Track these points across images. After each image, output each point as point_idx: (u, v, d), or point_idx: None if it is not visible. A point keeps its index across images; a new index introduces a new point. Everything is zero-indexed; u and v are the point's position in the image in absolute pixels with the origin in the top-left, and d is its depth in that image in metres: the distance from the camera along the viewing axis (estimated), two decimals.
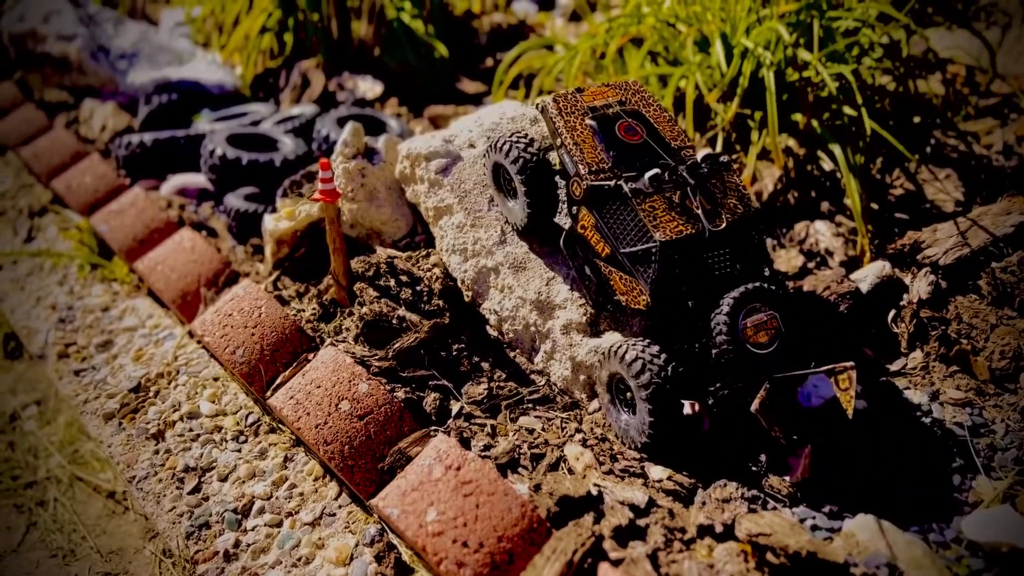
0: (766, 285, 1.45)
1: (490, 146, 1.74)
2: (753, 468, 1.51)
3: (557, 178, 1.71)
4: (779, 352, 1.44)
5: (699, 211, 1.50)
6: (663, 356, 1.46)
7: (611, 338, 1.66)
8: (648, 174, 1.49)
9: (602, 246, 1.57)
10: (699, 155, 1.56)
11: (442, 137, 1.95)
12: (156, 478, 1.76)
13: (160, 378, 2.03)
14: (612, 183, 1.54)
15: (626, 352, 1.47)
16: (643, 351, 1.46)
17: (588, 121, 1.64)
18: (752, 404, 1.40)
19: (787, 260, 1.95)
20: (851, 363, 1.39)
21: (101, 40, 3.43)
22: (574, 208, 1.62)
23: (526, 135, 1.71)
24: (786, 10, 2.08)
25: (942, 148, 2.20)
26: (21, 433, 2.37)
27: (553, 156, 1.76)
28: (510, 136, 1.70)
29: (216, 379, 1.99)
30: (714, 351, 1.45)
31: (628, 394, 1.54)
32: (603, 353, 1.55)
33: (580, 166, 1.57)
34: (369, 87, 3.16)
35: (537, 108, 1.73)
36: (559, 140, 1.64)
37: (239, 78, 3.49)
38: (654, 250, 1.46)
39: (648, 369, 1.44)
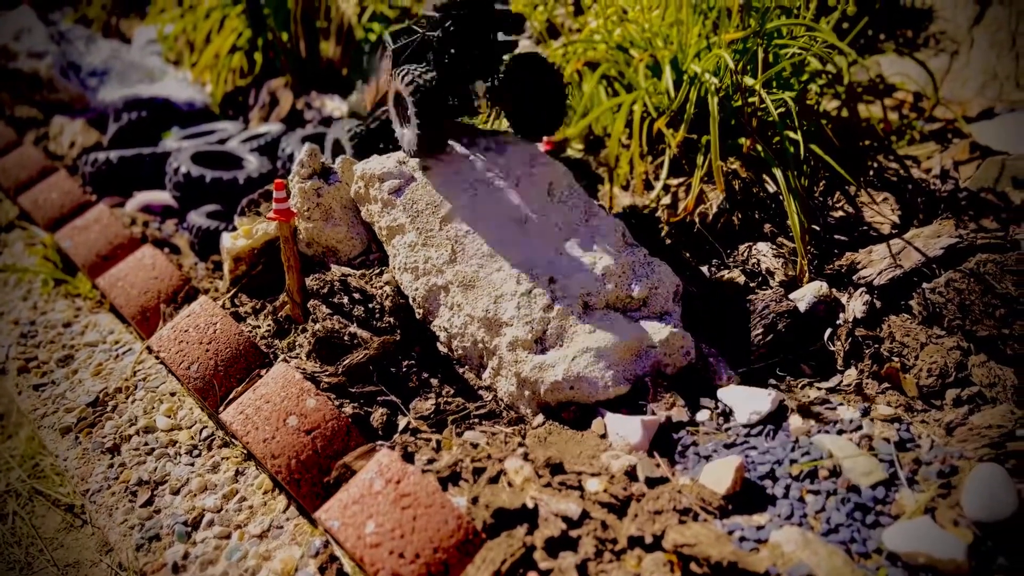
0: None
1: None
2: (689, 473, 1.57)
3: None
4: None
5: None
6: (429, 73, 1.83)
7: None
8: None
9: (408, 77, 1.87)
10: None
11: (396, 158, 2.01)
12: (109, 491, 1.79)
13: (118, 393, 2.06)
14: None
15: (404, 72, 1.84)
16: (415, 69, 1.83)
17: None
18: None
19: (729, 280, 2.01)
20: None
21: (72, 57, 3.47)
22: (392, 79, 1.98)
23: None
24: (734, 37, 2.16)
25: (883, 172, 2.27)
26: None
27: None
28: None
29: (173, 394, 2.02)
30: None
31: (407, 111, 1.89)
32: (390, 73, 1.94)
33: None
34: (336, 106, 3.21)
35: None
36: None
37: (209, 96, 3.54)
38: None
39: (415, 80, 1.81)
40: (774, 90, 2.18)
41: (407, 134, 1.93)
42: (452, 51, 1.91)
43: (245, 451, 1.81)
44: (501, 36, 1.99)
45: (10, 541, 2.07)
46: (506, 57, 2.02)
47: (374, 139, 2.25)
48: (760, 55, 2.11)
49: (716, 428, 1.74)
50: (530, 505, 1.44)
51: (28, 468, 2.26)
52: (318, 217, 2.02)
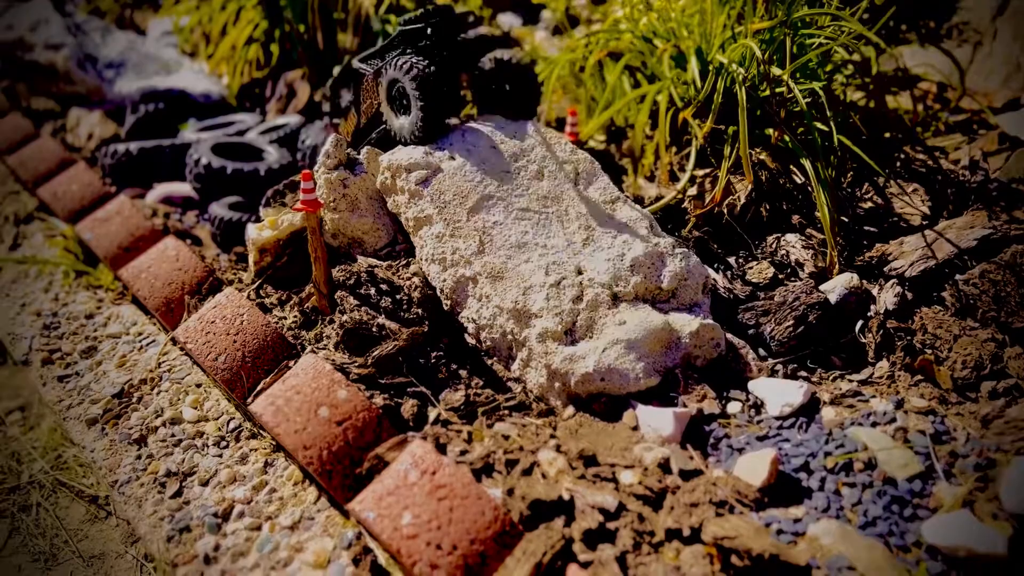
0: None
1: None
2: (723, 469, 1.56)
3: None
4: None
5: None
6: (428, 63, 1.97)
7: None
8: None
9: (409, 66, 2.00)
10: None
11: (423, 149, 2.00)
12: (138, 483, 1.79)
13: (143, 384, 2.06)
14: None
15: (402, 62, 1.98)
16: (414, 59, 1.98)
17: None
18: None
19: (759, 271, 2.00)
20: None
21: (88, 49, 3.46)
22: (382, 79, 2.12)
23: None
24: (760, 27, 2.14)
25: (911, 163, 2.25)
26: (4, 438, 2.39)
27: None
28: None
29: (199, 385, 2.01)
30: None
31: (404, 100, 2.04)
32: (383, 66, 2.06)
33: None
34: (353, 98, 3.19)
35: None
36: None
37: (226, 88, 3.53)
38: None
39: (415, 67, 1.95)
40: (800, 80, 2.16)
41: (406, 122, 2.06)
42: (439, 50, 2.15)
43: (274, 442, 1.81)
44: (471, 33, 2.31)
45: (34, 533, 2.07)
46: (493, 55, 2.25)
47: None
48: (788, 45, 2.09)
49: (748, 420, 1.73)
50: (566, 497, 1.43)
51: (51, 459, 2.26)
52: (344, 208, 2.01)
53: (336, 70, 2.53)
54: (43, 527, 2.08)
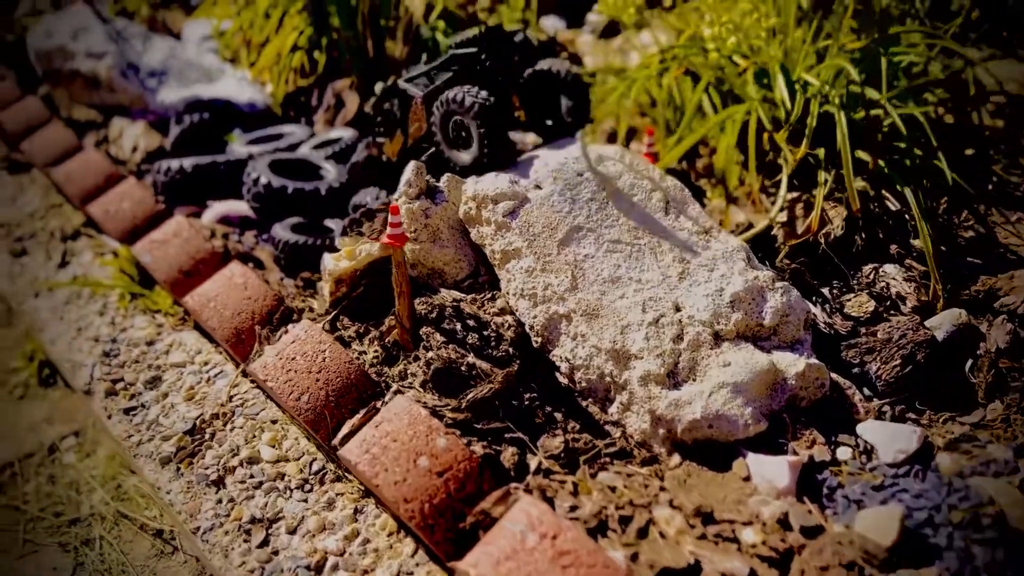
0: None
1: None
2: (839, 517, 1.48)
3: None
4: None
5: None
6: (484, 92, 1.95)
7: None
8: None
9: (465, 98, 1.98)
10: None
11: (507, 177, 1.91)
12: (222, 530, 1.72)
13: (215, 420, 1.98)
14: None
15: (459, 97, 1.96)
16: (471, 92, 1.95)
17: None
18: None
19: (858, 305, 1.91)
20: None
21: (130, 57, 3.38)
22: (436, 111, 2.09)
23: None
24: (854, 46, 2.05)
25: (1006, 186, 2.17)
26: (60, 466, 2.33)
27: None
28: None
29: (274, 422, 1.94)
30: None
31: (463, 133, 2.02)
32: (435, 92, 2.09)
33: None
34: None
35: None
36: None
37: (270, 96, 3.44)
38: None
39: (471, 99, 1.93)
40: (896, 103, 2.08)
41: (466, 155, 2.05)
42: (493, 75, 2.10)
43: (361, 487, 1.73)
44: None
45: (100, 568, 2.01)
46: (541, 68, 2.19)
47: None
48: (884, 66, 2.00)
49: (860, 468, 1.65)
50: (692, 561, 1.36)
51: (111, 489, 2.20)
52: (426, 238, 1.93)
53: (378, 87, 2.44)
54: (108, 563, 2.02)
